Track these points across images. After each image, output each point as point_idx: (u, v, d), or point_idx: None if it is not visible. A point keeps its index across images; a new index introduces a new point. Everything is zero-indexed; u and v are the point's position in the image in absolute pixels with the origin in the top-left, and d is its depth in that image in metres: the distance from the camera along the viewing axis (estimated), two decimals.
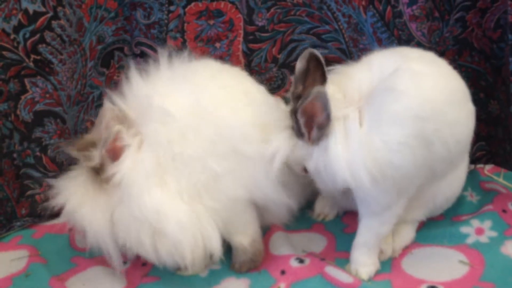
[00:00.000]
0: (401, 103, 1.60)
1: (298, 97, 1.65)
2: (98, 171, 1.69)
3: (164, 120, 1.68)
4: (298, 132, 1.67)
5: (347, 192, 1.76)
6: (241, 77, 1.91)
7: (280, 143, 1.68)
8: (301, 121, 1.63)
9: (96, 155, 1.66)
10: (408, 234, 1.94)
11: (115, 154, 1.66)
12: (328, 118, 1.61)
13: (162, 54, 1.80)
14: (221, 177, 1.70)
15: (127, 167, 1.65)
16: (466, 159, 1.96)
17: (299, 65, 1.67)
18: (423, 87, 1.64)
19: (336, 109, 1.62)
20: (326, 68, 1.68)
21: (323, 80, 1.68)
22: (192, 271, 1.88)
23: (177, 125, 1.68)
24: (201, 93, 1.73)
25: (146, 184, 1.65)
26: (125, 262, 1.95)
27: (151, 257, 1.72)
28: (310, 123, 1.63)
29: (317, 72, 1.68)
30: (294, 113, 1.65)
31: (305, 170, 1.75)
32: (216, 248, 1.73)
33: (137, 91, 1.74)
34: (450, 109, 1.68)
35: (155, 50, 2.23)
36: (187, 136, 1.67)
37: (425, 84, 1.65)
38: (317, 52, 1.67)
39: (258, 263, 1.89)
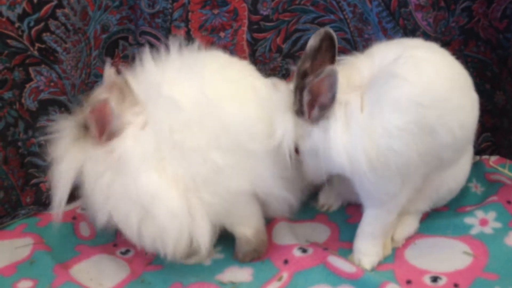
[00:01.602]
0: (402, 89, 1.60)
1: (303, 74, 1.64)
2: (82, 125, 1.68)
3: (170, 109, 1.68)
4: (298, 110, 1.66)
5: (343, 181, 1.76)
6: (248, 72, 1.91)
7: (285, 127, 1.67)
8: (306, 99, 1.62)
9: (84, 112, 1.66)
10: (411, 224, 1.93)
11: (100, 120, 1.65)
12: (332, 99, 1.60)
13: (173, 42, 1.80)
14: (223, 170, 1.70)
15: (128, 145, 1.66)
16: (470, 150, 1.95)
17: (312, 42, 1.65)
18: (425, 74, 1.64)
19: (339, 93, 1.62)
20: (337, 51, 1.68)
21: (332, 62, 1.68)
22: (194, 260, 1.89)
23: (182, 116, 1.68)
24: (208, 86, 1.72)
25: (144, 165, 1.65)
26: (128, 250, 1.97)
27: (132, 236, 1.71)
28: (313, 102, 1.63)
29: (328, 53, 1.67)
30: (299, 90, 1.63)
31: (296, 151, 1.72)
32: (203, 242, 1.73)
33: (149, 76, 1.74)
34: (453, 96, 1.67)
35: (159, 40, 2.22)
36: (191, 127, 1.67)
37: (427, 71, 1.65)
38: (332, 32, 1.66)
39: (261, 253, 1.89)
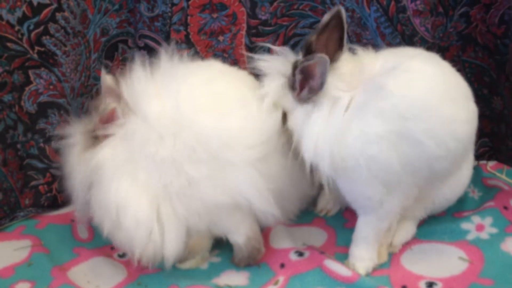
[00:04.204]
0: (388, 102, 1.62)
1: (309, 45, 1.70)
2: (91, 133, 1.75)
3: (144, 121, 1.71)
4: (291, 85, 1.72)
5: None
6: (240, 83, 1.87)
7: (271, 89, 1.75)
8: (297, 77, 1.69)
9: (93, 121, 1.74)
10: (409, 230, 1.93)
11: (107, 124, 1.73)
12: (321, 85, 1.66)
13: (166, 51, 1.81)
14: (198, 183, 1.71)
15: (105, 155, 1.71)
16: (470, 161, 1.93)
17: (324, 17, 1.70)
18: (415, 87, 1.64)
19: (334, 88, 1.67)
20: (345, 34, 1.71)
21: (339, 44, 1.71)
22: (189, 265, 1.90)
23: (156, 127, 1.70)
24: (188, 99, 1.73)
25: (115, 176, 1.70)
26: (126, 253, 1.97)
27: (109, 237, 1.79)
28: (304, 82, 1.68)
29: (335, 32, 1.70)
30: (294, 67, 1.70)
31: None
32: (169, 253, 1.76)
33: (135, 87, 1.76)
34: (444, 108, 1.66)
35: (158, 43, 2.23)
36: (165, 139, 1.70)
37: (418, 84, 1.65)
38: (344, 13, 1.69)
39: (256, 260, 1.89)
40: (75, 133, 1.79)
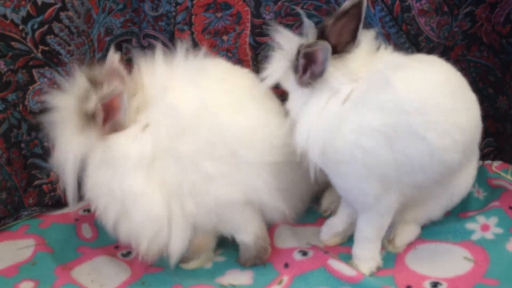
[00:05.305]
0: (390, 95, 1.61)
1: (323, 29, 1.69)
2: (88, 114, 1.68)
3: (170, 115, 1.69)
4: (295, 67, 1.72)
5: None
6: (250, 81, 1.89)
7: (274, 71, 1.76)
8: (301, 61, 1.68)
9: (93, 101, 1.65)
10: (413, 231, 1.93)
11: (109, 112, 1.66)
12: (322, 71, 1.65)
13: (180, 47, 1.81)
14: (214, 180, 1.71)
15: (126, 143, 1.67)
16: (476, 152, 1.93)
17: (345, 4, 1.68)
18: (416, 81, 1.65)
19: (336, 80, 1.66)
20: (360, 28, 1.68)
21: (353, 36, 1.69)
22: (194, 265, 1.90)
23: (180, 123, 1.69)
24: (208, 95, 1.73)
25: (134, 166, 1.66)
26: (129, 252, 1.98)
27: (107, 226, 1.74)
28: (307, 66, 1.68)
29: (351, 22, 1.68)
30: (298, 51, 1.69)
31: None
32: (174, 251, 1.75)
33: (158, 79, 1.75)
34: (446, 100, 1.66)
35: (162, 42, 2.23)
36: (187, 135, 1.69)
37: (419, 78, 1.66)
38: (365, 4, 1.67)
39: (263, 259, 1.89)
40: (64, 108, 1.70)
